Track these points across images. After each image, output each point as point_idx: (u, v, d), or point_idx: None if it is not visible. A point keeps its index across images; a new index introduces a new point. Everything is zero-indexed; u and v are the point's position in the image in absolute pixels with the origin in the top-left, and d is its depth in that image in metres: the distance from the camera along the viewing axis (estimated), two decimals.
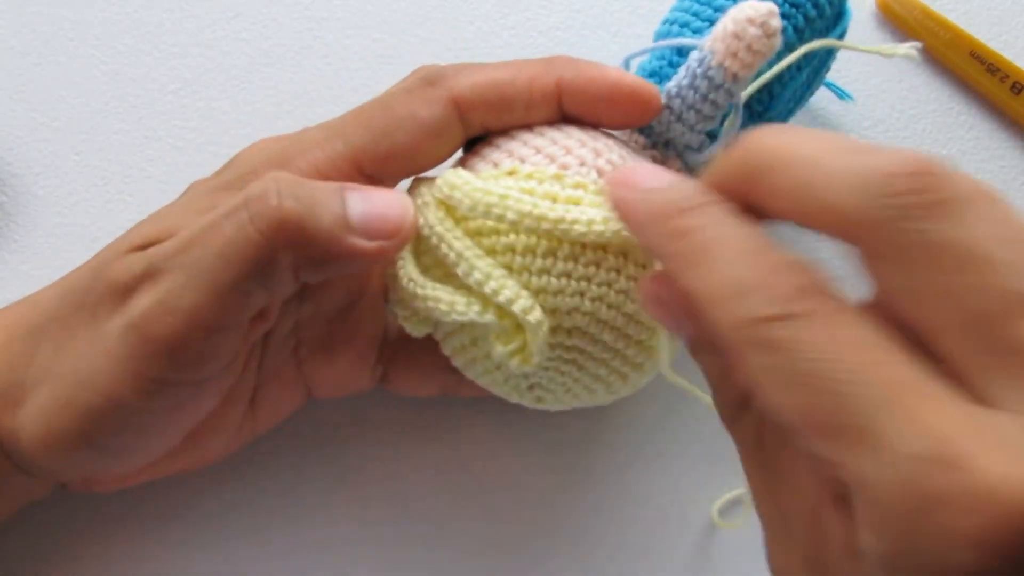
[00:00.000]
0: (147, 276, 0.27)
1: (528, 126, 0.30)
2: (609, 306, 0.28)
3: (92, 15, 0.41)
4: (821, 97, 0.43)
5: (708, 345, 0.24)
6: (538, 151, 0.29)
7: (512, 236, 0.28)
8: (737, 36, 0.28)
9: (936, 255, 0.19)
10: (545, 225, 0.27)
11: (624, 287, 0.28)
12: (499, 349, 0.28)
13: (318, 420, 0.37)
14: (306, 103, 0.41)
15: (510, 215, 0.27)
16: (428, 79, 0.30)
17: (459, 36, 0.42)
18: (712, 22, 0.33)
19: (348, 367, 0.34)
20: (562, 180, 0.28)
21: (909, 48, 0.33)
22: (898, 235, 0.19)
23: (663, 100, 0.30)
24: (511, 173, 0.29)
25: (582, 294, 0.28)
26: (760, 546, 0.23)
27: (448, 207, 0.29)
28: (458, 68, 0.30)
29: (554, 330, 0.28)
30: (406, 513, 0.37)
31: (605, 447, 0.38)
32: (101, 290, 0.28)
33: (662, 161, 0.32)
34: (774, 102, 0.33)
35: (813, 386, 0.19)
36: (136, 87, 0.41)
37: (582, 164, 0.29)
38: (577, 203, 0.27)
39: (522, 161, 0.29)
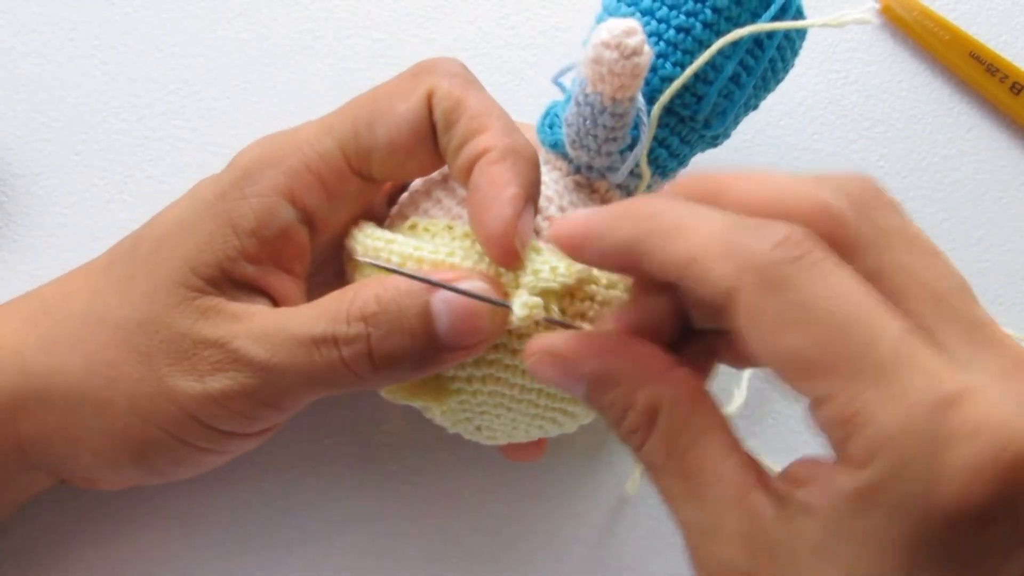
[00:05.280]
0: (228, 363, 0.28)
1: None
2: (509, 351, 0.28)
3: (92, 15, 0.41)
4: (821, 98, 0.43)
5: (609, 381, 0.24)
6: (438, 203, 0.30)
7: None
8: (597, 61, 0.27)
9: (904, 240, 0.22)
10: (426, 266, 0.28)
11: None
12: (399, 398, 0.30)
13: (317, 419, 0.37)
14: (306, 103, 0.41)
15: (394, 258, 0.28)
16: (416, 69, 0.30)
17: (459, 36, 0.42)
18: (636, 6, 0.30)
19: None
20: (452, 230, 0.29)
21: (862, 13, 0.30)
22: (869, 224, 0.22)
23: (562, 128, 0.30)
24: (412, 227, 0.30)
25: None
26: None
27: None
28: (450, 70, 0.30)
29: (468, 379, 0.29)
30: (399, 511, 0.37)
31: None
32: (163, 338, 0.28)
33: (587, 184, 0.31)
34: (703, 102, 0.31)
35: (826, 324, 0.19)
36: (136, 87, 0.41)
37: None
38: (465, 250, 0.28)
39: (426, 214, 0.30)
